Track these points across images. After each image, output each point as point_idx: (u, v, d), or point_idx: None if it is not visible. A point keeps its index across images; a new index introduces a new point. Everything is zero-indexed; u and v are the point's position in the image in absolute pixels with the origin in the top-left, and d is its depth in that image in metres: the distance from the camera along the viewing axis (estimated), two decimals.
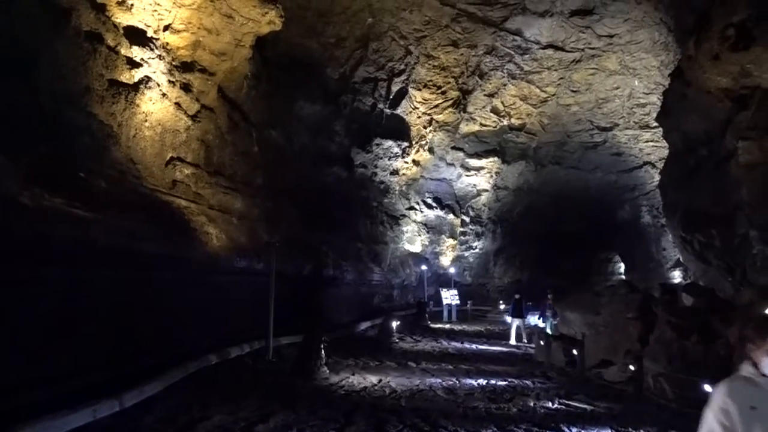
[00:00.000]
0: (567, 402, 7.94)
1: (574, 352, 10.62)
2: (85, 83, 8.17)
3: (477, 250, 31.02)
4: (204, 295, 9.95)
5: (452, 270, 28.73)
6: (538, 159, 29.50)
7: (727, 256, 11.78)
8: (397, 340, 14.35)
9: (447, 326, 20.39)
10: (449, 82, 22.07)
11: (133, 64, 9.26)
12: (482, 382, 9.38)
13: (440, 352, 13.30)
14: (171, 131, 10.35)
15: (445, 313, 22.99)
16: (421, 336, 16.26)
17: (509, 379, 9.70)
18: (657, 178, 23.05)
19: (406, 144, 22.51)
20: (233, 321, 10.81)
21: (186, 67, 10.75)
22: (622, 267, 31.12)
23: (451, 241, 28.73)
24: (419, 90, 21.80)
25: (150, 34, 9.66)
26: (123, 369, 7.19)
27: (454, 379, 9.48)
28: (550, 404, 7.80)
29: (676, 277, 29.79)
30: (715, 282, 12.25)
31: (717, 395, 2.23)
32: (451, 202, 28.77)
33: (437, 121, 23.74)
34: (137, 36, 9.37)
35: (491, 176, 29.01)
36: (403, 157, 22.86)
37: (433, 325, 19.63)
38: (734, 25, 10.22)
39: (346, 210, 19.98)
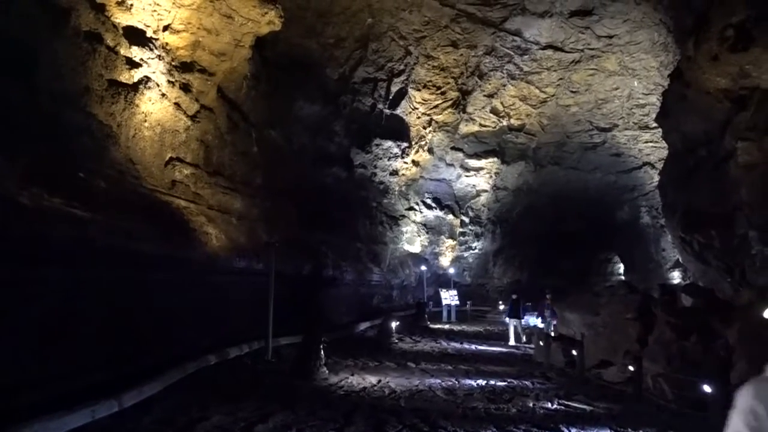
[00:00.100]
0: (566, 402, 7.93)
1: (574, 352, 10.61)
2: (84, 83, 8.17)
3: (476, 251, 31.03)
4: (203, 295, 9.95)
5: (452, 270, 28.73)
6: (537, 159, 29.53)
7: (726, 257, 11.79)
8: (396, 341, 14.34)
9: (446, 327, 20.38)
10: (449, 83, 22.09)
11: (133, 65, 9.25)
12: (481, 382, 9.37)
13: (439, 352, 13.29)
14: (170, 131, 10.35)
15: (445, 314, 22.97)
16: (421, 336, 16.25)
17: (508, 380, 9.69)
18: (656, 178, 23.07)
19: (405, 144, 22.52)
20: (232, 321, 10.81)
21: (185, 67, 10.75)
22: (621, 267, 31.16)
23: (450, 242, 28.74)
24: (419, 90, 21.82)
25: (149, 34, 9.66)
26: (122, 369, 7.18)
27: (453, 380, 9.47)
28: (549, 405, 7.79)
29: (676, 277, 29.82)
30: (714, 282, 12.25)
31: (744, 397, 2.20)
32: (450, 202, 28.79)
33: (437, 122, 23.75)
34: (137, 36, 9.37)
35: (491, 177, 29.03)
36: (403, 158, 22.87)
37: (432, 326, 19.62)
38: (733, 26, 10.24)
39: (345, 210, 19.98)
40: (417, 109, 22.55)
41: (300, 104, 17.46)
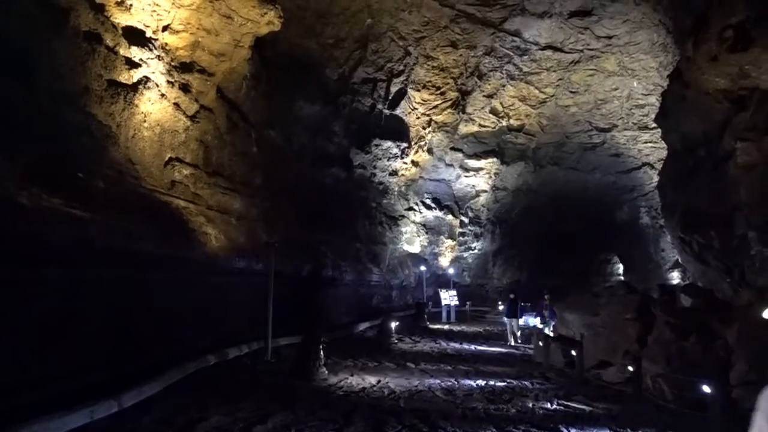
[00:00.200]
0: (566, 403, 7.94)
1: (573, 353, 10.61)
2: (83, 83, 8.16)
3: (476, 251, 31.04)
4: (203, 296, 9.95)
5: (451, 271, 28.74)
6: (536, 160, 29.55)
7: (725, 257, 11.79)
8: (395, 341, 14.34)
9: (446, 327, 20.38)
10: (448, 83, 22.09)
11: (132, 65, 9.25)
12: (481, 382, 9.37)
13: (439, 353, 13.29)
14: (170, 132, 10.35)
15: (444, 314, 22.97)
16: (420, 337, 16.25)
17: (508, 380, 9.69)
18: (656, 179, 23.08)
19: (405, 145, 22.52)
20: (232, 321, 10.80)
21: (185, 67, 10.75)
22: (620, 268, 31.18)
23: (450, 242, 28.75)
24: (418, 91, 21.83)
25: (149, 34, 9.65)
26: (121, 369, 7.18)
27: (452, 380, 9.47)
28: (548, 405, 7.79)
29: (675, 278, 29.85)
30: (713, 283, 12.26)
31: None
32: (450, 202, 28.79)
33: (436, 122, 23.76)
34: (136, 36, 9.36)
35: (490, 177, 29.04)
36: (402, 158, 22.88)
37: (431, 326, 19.62)
38: (733, 27, 10.24)
39: (345, 210, 19.98)
40: (416, 109, 22.55)
41: (299, 104, 17.46)
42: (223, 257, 10.80)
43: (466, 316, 24.04)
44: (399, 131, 22.28)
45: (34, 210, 6.26)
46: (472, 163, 27.95)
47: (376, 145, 21.60)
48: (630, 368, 8.79)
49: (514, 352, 14.03)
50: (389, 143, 21.87)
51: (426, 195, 27.77)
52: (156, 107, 9.88)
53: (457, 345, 14.98)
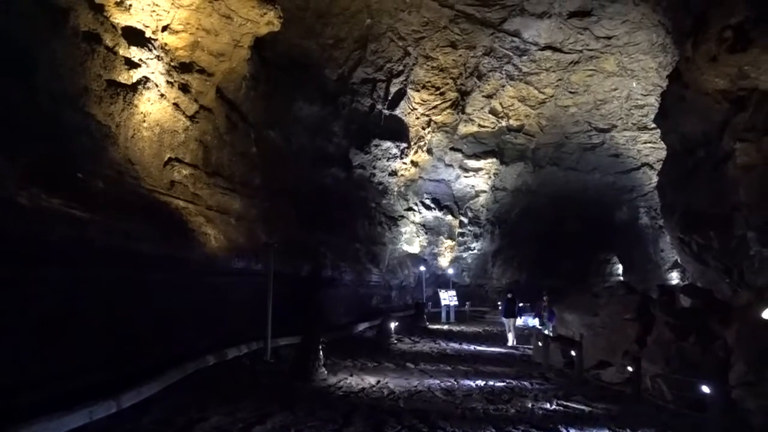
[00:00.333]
0: (565, 403, 7.94)
1: (572, 353, 10.61)
2: (83, 83, 8.16)
3: (475, 251, 31.04)
4: (202, 296, 9.94)
5: (450, 271, 28.74)
6: (536, 160, 29.56)
7: (724, 258, 11.79)
8: (395, 341, 14.34)
9: (445, 327, 20.38)
10: (448, 83, 22.10)
11: (132, 65, 9.25)
12: (480, 383, 9.38)
13: (438, 353, 13.29)
14: (169, 132, 10.35)
15: (444, 314, 22.97)
16: (420, 337, 16.26)
17: (507, 380, 9.70)
18: (655, 179, 23.09)
19: (404, 145, 22.52)
20: (231, 322, 10.80)
21: (184, 67, 10.75)
22: (620, 268, 31.20)
23: (449, 242, 28.75)
24: (418, 91, 21.83)
25: (148, 34, 9.65)
26: (121, 369, 7.18)
27: (452, 380, 9.47)
28: (548, 405, 7.80)
29: (674, 278, 29.89)
30: (712, 283, 12.26)
31: None
32: (449, 203, 28.80)
33: (436, 122, 23.76)
34: (135, 36, 9.36)
35: (489, 177, 29.05)
36: (402, 158, 22.88)
37: (431, 326, 19.62)
38: (732, 27, 10.25)
39: (344, 211, 19.98)
40: (416, 109, 22.56)
41: (299, 105, 17.46)
42: (222, 257, 10.79)
43: (466, 316, 24.05)
44: (398, 131, 22.28)
45: (34, 210, 6.25)
46: (472, 163, 27.96)
47: (376, 146, 21.60)
48: (629, 368, 8.79)
49: (514, 353, 14.03)
50: (389, 143, 21.87)
51: (425, 195, 27.78)
52: (155, 107, 9.88)
53: (456, 345, 14.98)
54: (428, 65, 20.99)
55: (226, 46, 11.32)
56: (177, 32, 10.26)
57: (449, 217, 28.44)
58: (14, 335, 5.91)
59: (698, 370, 7.54)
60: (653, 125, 19.67)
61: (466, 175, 28.47)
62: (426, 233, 27.62)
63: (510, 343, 15.46)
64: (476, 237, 30.78)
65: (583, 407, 7.72)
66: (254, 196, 13.57)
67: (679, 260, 23.00)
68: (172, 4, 9.74)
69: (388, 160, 22.41)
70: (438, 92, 22.31)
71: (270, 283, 10.47)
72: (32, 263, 6.15)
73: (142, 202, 8.96)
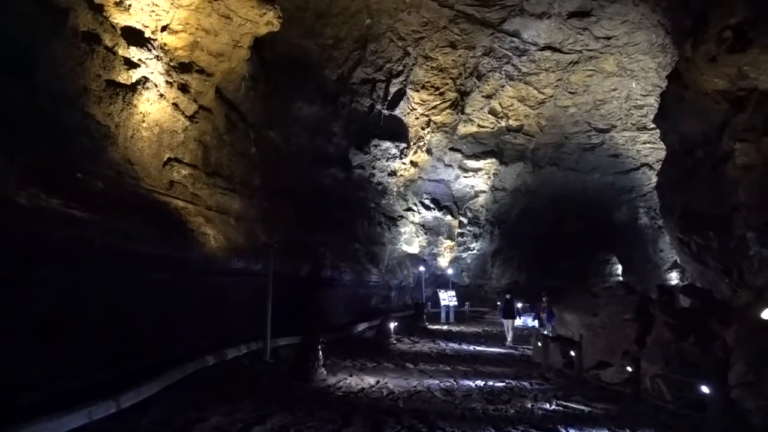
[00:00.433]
0: (564, 403, 7.94)
1: (572, 353, 10.62)
2: (82, 84, 8.16)
3: (475, 252, 31.04)
4: (201, 296, 9.94)
5: (450, 271, 28.74)
6: (535, 160, 29.57)
7: (724, 258, 11.79)
8: (394, 342, 14.34)
9: (445, 327, 20.38)
10: (447, 84, 22.09)
11: (131, 65, 9.24)
12: (480, 383, 9.38)
13: (438, 353, 13.29)
14: (168, 132, 10.34)
15: (443, 315, 22.97)
16: (419, 337, 16.26)
17: (507, 381, 9.70)
18: (654, 179, 23.09)
19: (404, 145, 22.52)
20: (231, 322, 10.80)
21: (184, 67, 10.74)
22: (619, 268, 31.19)
23: (448, 243, 28.74)
24: (417, 91, 21.83)
25: (148, 34, 9.65)
26: (120, 369, 7.18)
27: (451, 381, 9.47)
28: (547, 405, 7.80)
29: (674, 278, 29.91)
30: (712, 283, 12.26)
31: None
32: (448, 203, 28.79)
33: (435, 123, 23.76)
34: (135, 36, 9.35)
35: (489, 177, 29.05)
36: (401, 158, 22.87)
37: (430, 327, 19.62)
38: (731, 27, 10.25)
39: (343, 211, 19.97)
40: (415, 109, 22.55)
41: (298, 105, 17.45)
42: (222, 257, 10.79)
43: (465, 316, 24.06)
44: (398, 132, 22.27)
45: (33, 210, 6.25)
46: (471, 163, 27.96)
47: (375, 146, 21.59)
48: (629, 369, 8.80)
49: (513, 353, 14.03)
50: (388, 144, 21.86)
51: (425, 195, 27.77)
52: (155, 107, 9.87)
53: (455, 345, 14.98)
54: (428, 65, 20.99)
55: (226, 46, 11.32)
56: (176, 32, 10.26)
57: (449, 218, 28.44)
58: (14, 335, 5.90)
59: (698, 371, 7.55)
60: (653, 125, 19.66)
61: (466, 175, 28.46)
62: (425, 233, 27.62)
63: (509, 344, 15.46)
64: (476, 237, 30.78)
65: (582, 407, 7.73)
66: (254, 197, 13.57)
67: (678, 260, 23.01)
68: (172, 4, 9.74)
69: (387, 161, 22.41)
70: (437, 92, 22.31)
71: (269, 284, 10.47)
72: (32, 263, 6.15)
73: (142, 203, 8.96)
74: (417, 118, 22.91)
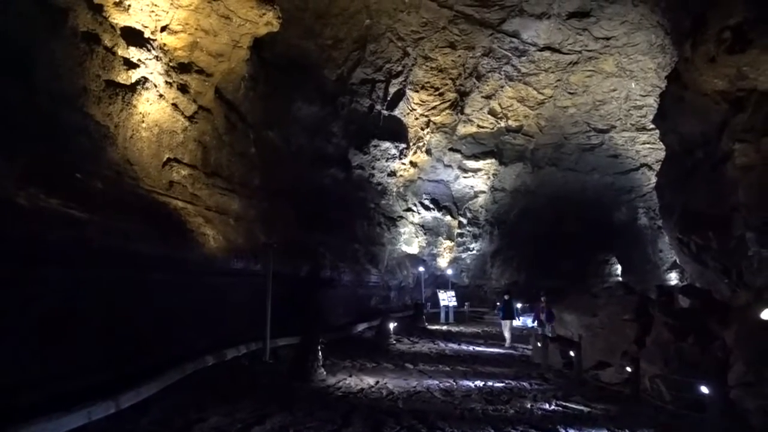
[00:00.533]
0: (564, 404, 7.94)
1: (571, 353, 10.62)
2: (81, 84, 8.15)
3: (474, 252, 31.04)
4: (201, 296, 9.94)
5: (449, 271, 28.74)
6: (535, 161, 29.57)
7: (723, 258, 11.80)
8: (394, 342, 14.34)
9: (444, 328, 20.38)
10: (447, 84, 22.10)
11: (130, 65, 9.24)
12: (479, 383, 9.38)
13: (437, 353, 13.29)
14: (168, 132, 10.34)
15: (443, 315, 22.97)
16: (419, 338, 16.25)
17: (506, 381, 9.70)
18: (654, 180, 23.10)
19: (403, 145, 22.52)
20: (230, 322, 10.79)
21: (183, 68, 10.74)
22: (619, 269, 31.20)
23: (448, 243, 28.74)
24: (417, 92, 21.83)
25: (147, 34, 9.64)
26: (120, 370, 7.17)
27: (451, 381, 9.47)
28: (547, 406, 7.80)
29: (673, 278, 29.91)
30: (711, 284, 12.26)
31: None
32: (448, 203, 28.79)
33: (435, 123, 23.76)
34: (134, 37, 9.35)
35: (488, 178, 29.05)
36: (401, 159, 22.87)
37: (430, 327, 19.63)
38: (731, 28, 10.25)
39: (343, 211, 19.97)
40: (415, 110, 22.56)
41: (298, 105, 17.45)
42: (221, 258, 10.79)
43: (465, 316, 24.06)
44: (397, 132, 22.27)
45: (33, 210, 6.25)
46: (471, 164, 27.95)
47: (375, 146, 21.60)
48: (628, 369, 8.80)
49: (513, 353, 14.03)
50: (388, 144, 21.86)
51: (424, 196, 27.77)
52: (154, 108, 9.87)
53: (455, 346, 14.98)
54: (427, 66, 20.99)
55: (225, 46, 11.32)
56: (176, 32, 10.26)
57: (448, 218, 28.44)
58: (13, 335, 5.90)
59: (697, 371, 7.55)
60: (652, 126, 19.67)
61: (465, 175, 28.46)
62: (425, 234, 27.61)
63: (507, 344, 15.45)
64: (475, 237, 30.78)
65: (582, 408, 7.73)
66: (253, 197, 13.56)
67: (677, 261, 23.01)
68: (171, 4, 9.74)
69: (387, 161, 22.41)
70: (437, 93, 22.31)
71: (269, 284, 10.47)
72: (31, 263, 6.15)
73: (141, 203, 8.95)
74: (416, 119, 22.91)
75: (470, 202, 30.05)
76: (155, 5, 9.46)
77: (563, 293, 16.67)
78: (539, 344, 12.20)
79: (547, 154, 29.52)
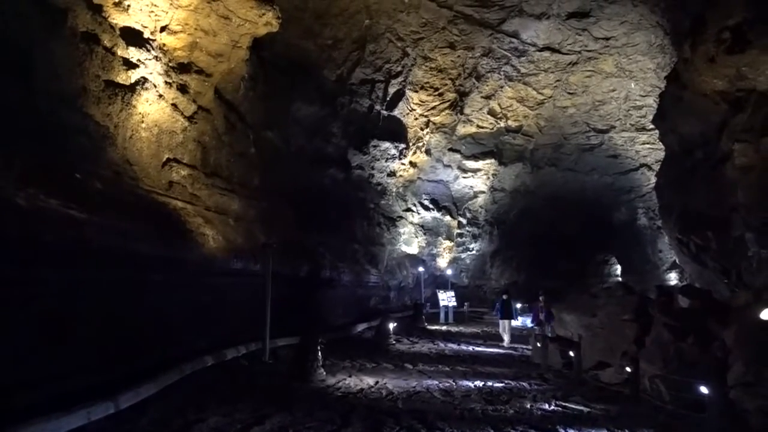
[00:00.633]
0: (563, 404, 7.94)
1: (571, 353, 10.62)
2: (81, 84, 8.15)
3: (474, 252, 31.04)
4: (200, 297, 9.93)
5: (449, 272, 28.74)
6: (534, 161, 29.57)
7: (722, 258, 11.81)
8: (393, 342, 14.33)
9: (444, 328, 20.38)
10: (446, 84, 22.10)
11: (130, 65, 9.23)
12: (479, 383, 9.38)
13: (437, 353, 13.29)
14: (167, 132, 10.33)
15: (442, 315, 22.97)
16: (418, 338, 16.25)
17: (506, 381, 9.70)
18: (653, 180, 23.12)
19: (403, 146, 22.52)
20: (230, 322, 10.79)
21: (183, 68, 10.74)
22: (618, 269, 31.21)
23: (447, 243, 28.74)
24: (416, 92, 21.83)
25: (147, 35, 9.64)
26: (119, 370, 7.16)
27: (450, 381, 9.46)
28: (546, 406, 7.80)
29: (672, 279, 29.93)
30: (711, 284, 12.28)
31: None
32: (447, 203, 28.79)
33: (434, 123, 23.76)
34: (134, 37, 9.35)
35: (488, 178, 29.05)
36: (400, 159, 22.87)
37: (429, 327, 19.63)
38: (730, 28, 10.27)
39: (342, 211, 19.97)
40: (414, 110, 22.56)
41: (297, 105, 17.45)
42: (220, 258, 10.78)
43: (464, 317, 24.05)
44: (397, 132, 22.27)
45: (32, 210, 6.24)
46: (470, 164, 27.95)
47: (374, 146, 21.59)
48: (628, 369, 8.79)
49: (512, 353, 14.03)
50: (387, 144, 21.86)
51: (424, 196, 27.77)
52: (154, 108, 9.86)
53: (454, 346, 14.98)
54: (427, 66, 20.99)
55: (225, 46, 11.31)
56: (175, 33, 10.26)
57: (448, 218, 28.44)
58: (12, 335, 5.89)
59: (696, 371, 7.55)
60: (651, 126, 19.70)
61: (465, 175, 28.46)
62: (424, 234, 27.61)
63: (506, 344, 15.44)
64: (475, 238, 30.78)
65: (581, 408, 7.73)
66: (253, 197, 13.56)
67: (677, 261, 23.05)
68: (171, 4, 9.74)
69: (386, 161, 22.41)
70: (436, 93, 22.32)
71: (268, 284, 10.47)
72: (30, 264, 6.14)
73: (141, 203, 8.95)
74: (416, 119, 22.91)
75: (470, 203, 30.05)
76: (155, 5, 9.46)
77: (563, 293, 16.67)
78: (539, 344, 12.20)
79: (547, 155, 29.52)
